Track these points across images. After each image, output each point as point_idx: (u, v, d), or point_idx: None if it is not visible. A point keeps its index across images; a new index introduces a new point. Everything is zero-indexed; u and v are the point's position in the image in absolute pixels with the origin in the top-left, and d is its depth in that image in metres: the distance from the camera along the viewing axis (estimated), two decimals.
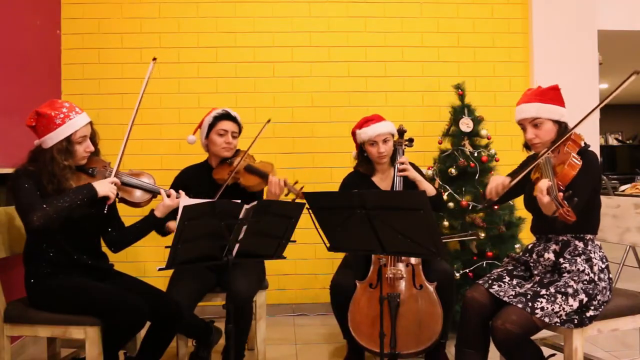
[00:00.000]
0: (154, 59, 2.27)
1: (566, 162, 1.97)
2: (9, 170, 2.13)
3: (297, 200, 2.43)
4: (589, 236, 2.13)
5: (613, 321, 2.09)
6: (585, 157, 2.04)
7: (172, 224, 2.37)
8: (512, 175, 2.23)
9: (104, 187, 2.11)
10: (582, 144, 2.09)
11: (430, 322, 2.41)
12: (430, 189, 2.68)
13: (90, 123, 2.20)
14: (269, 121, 2.72)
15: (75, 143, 2.13)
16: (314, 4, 3.82)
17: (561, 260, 2.10)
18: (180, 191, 2.32)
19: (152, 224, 2.35)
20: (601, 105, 2.08)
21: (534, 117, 2.14)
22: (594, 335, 2.13)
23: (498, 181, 2.22)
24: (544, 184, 1.89)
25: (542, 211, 1.93)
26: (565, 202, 1.79)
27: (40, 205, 1.98)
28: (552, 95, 2.17)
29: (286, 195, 2.60)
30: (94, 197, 2.07)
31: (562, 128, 2.16)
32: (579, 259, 2.07)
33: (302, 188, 2.57)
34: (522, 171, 2.15)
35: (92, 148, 2.20)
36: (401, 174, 2.66)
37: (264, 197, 2.65)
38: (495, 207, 3.15)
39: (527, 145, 2.27)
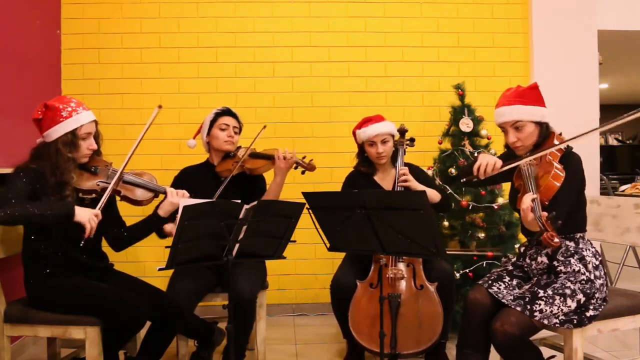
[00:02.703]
0: (160, 106, 2.21)
1: (550, 173, 1.93)
2: (9, 170, 2.12)
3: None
4: (578, 235, 2.12)
5: (613, 321, 2.09)
6: (568, 163, 2.02)
7: (169, 227, 2.35)
8: (503, 159, 2.17)
9: (84, 214, 2.00)
10: (564, 148, 2.06)
11: (431, 322, 2.41)
12: (434, 195, 2.65)
13: (95, 122, 2.22)
14: (264, 127, 2.73)
15: (80, 138, 2.13)
16: (314, 4, 3.81)
17: (555, 263, 2.09)
18: (184, 191, 2.32)
19: (155, 223, 2.33)
20: (599, 130, 1.96)
21: (515, 120, 2.09)
22: (594, 335, 2.13)
23: (489, 161, 2.13)
24: (527, 199, 1.87)
25: (525, 226, 1.95)
26: (550, 225, 1.78)
27: (12, 203, 1.92)
28: (532, 95, 2.11)
29: (295, 168, 2.63)
30: (69, 217, 1.98)
31: (543, 129, 2.12)
32: (572, 260, 2.06)
33: (311, 160, 2.62)
34: (510, 163, 2.10)
35: (94, 146, 2.20)
36: (403, 184, 2.63)
37: (273, 174, 2.66)
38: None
39: (509, 147, 2.24)
